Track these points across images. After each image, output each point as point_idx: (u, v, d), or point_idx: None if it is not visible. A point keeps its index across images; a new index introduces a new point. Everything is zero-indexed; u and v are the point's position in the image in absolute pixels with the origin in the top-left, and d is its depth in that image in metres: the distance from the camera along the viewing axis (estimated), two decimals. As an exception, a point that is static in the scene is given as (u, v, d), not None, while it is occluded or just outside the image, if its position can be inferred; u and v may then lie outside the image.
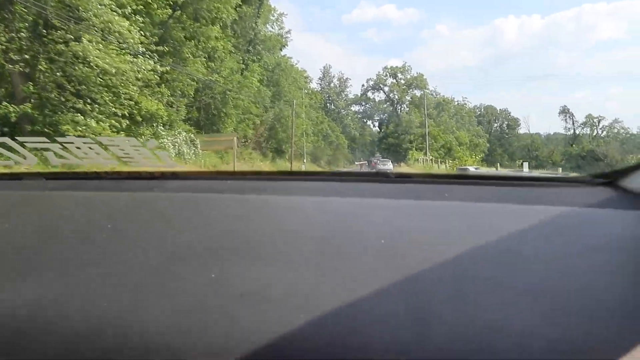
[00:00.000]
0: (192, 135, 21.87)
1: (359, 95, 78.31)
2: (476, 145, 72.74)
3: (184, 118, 23.13)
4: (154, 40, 17.82)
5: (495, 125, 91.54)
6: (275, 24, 38.90)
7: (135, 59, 15.16)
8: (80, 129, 12.64)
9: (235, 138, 22.84)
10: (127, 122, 16.40)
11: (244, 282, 0.62)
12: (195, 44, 21.85)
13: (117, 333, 0.54)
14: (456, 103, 77.57)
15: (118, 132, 16.76)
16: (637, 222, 0.78)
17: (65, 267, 0.67)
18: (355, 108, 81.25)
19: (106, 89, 14.58)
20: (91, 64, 13.41)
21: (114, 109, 14.64)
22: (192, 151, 21.43)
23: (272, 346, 0.51)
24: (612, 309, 0.55)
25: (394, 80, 73.71)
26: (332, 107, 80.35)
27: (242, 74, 26.95)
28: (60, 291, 0.62)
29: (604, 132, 61.59)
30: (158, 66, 15.93)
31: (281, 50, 40.48)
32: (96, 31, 13.70)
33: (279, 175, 1.29)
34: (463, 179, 1.08)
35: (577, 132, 64.97)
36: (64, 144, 1.18)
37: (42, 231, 0.83)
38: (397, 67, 73.54)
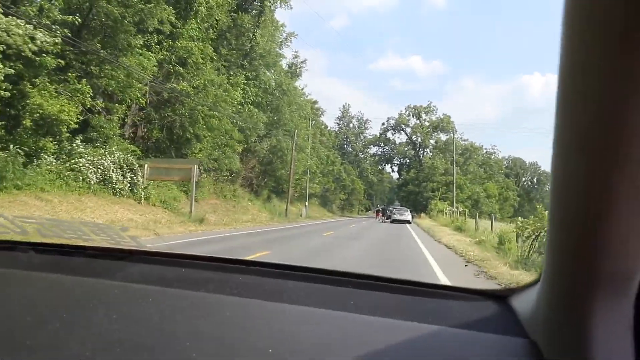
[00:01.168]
0: (131, 159, 15.55)
1: (378, 135, 72.19)
2: (505, 199, 66.24)
3: (122, 134, 16.91)
4: (60, 5, 11.80)
5: (524, 179, 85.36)
6: (283, 44, 33.39)
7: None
8: None
9: (195, 166, 16.46)
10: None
11: None
12: (144, 28, 15.69)
13: None
14: (484, 151, 71.24)
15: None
16: (511, 350, 0.74)
17: (18, 352, 0.72)
18: (373, 150, 75.24)
19: None
20: None
21: None
22: (127, 180, 15.04)
23: None
24: None
25: (418, 121, 67.55)
26: (350, 149, 74.58)
27: (224, 89, 20.72)
28: None
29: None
30: (40, 34, 9.65)
31: (294, 79, 34.93)
32: None
33: (231, 265, 1.27)
34: (366, 279, 1.09)
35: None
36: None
37: (8, 313, 0.88)
38: (421, 106, 67.41)
